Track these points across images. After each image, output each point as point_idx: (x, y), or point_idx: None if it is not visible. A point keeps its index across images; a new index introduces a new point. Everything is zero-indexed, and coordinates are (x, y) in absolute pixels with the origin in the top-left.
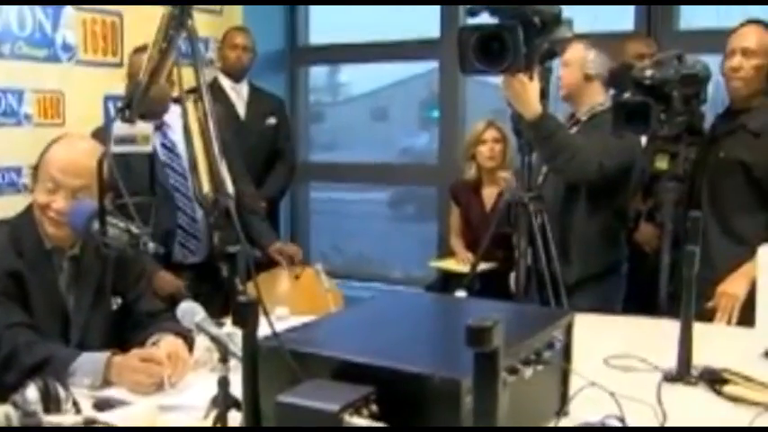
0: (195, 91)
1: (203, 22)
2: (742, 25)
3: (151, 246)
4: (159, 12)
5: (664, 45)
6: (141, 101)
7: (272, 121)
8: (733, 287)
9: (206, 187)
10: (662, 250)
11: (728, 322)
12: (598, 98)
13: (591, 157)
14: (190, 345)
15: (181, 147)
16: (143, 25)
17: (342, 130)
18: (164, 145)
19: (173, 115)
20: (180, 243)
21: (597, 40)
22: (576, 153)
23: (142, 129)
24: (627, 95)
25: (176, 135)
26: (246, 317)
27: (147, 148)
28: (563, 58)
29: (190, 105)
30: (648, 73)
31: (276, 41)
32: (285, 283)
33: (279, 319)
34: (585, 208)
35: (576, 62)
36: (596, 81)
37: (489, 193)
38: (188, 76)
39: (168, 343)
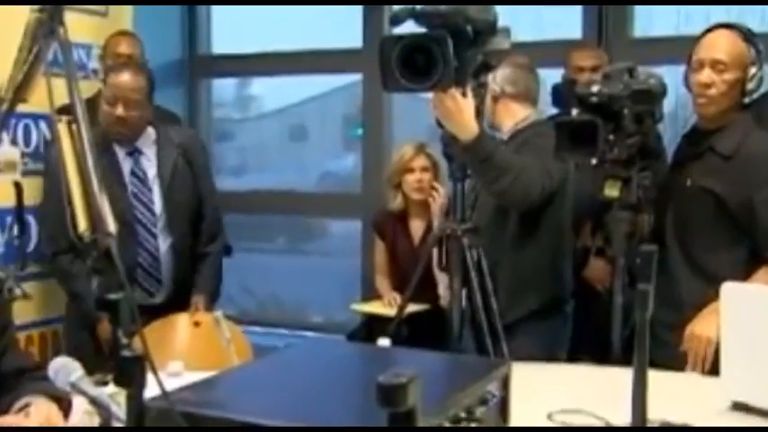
0: (68, 110)
1: (85, 25)
2: (709, 31)
3: (17, 291)
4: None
5: (616, 56)
6: (2, 121)
7: None
8: (702, 327)
9: (82, 225)
10: (614, 289)
11: (702, 370)
12: (518, 115)
13: (534, 176)
14: (66, 409)
15: (152, 174)
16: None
17: (253, 151)
18: (133, 173)
19: (147, 140)
20: (138, 283)
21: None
22: (520, 174)
23: (7, 154)
24: (575, 114)
25: (149, 162)
26: (131, 374)
27: (13, 176)
28: None
29: (62, 127)
30: (595, 89)
31: (173, 50)
32: (183, 332)
33: (172, 376)
34: (516, 237)
35: None
36: (506, 99)
37: (417, 226)
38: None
39: (39, 409)
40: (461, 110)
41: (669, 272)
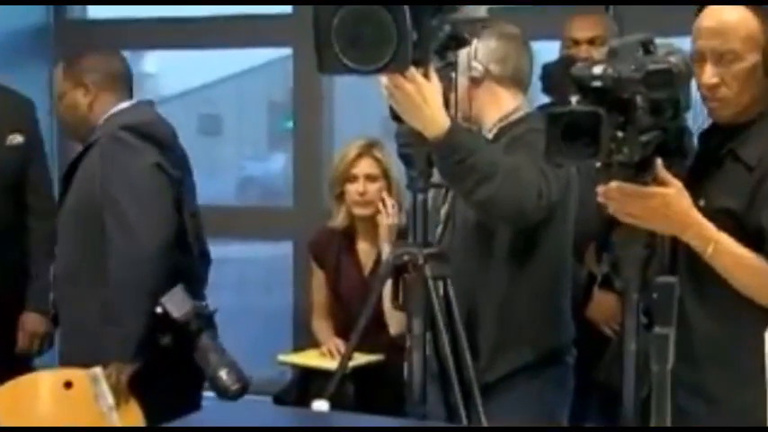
0: None
1: None
2: (701, 8)
3: None
4: None
5: (628, 25)
6: None
7: (17, 139)
8: None
9: None
10: (624, 332)
11: None
12: (505, 105)
13: (528, 180)
14: None
15: None
16: None
17: None
18: None
19: None
20: None
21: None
22: (510, 177)
23: None
24: (573, 103)
25: None
26: None
27: None
28: None
29: None
30: (597, 70)
31: (34, 13)
32: (47, 397)
33: None
34: (503, 265)
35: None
36: (491, 82)
37: (367, 250)
38: None
39: None
40: (425, 97)
41: (681, 313)
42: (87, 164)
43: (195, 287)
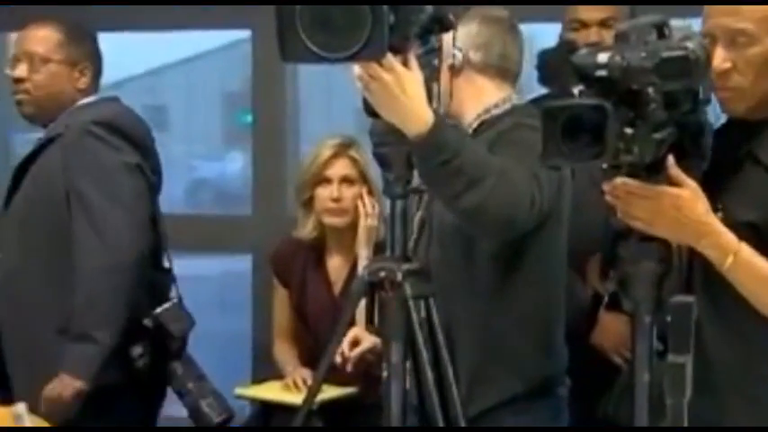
0: None
1: None
2: None
3: None
4: None
5: (640, 5)
6: None
7: None
8: None
9: None
10: (635, 360)
11: None
12: (488, 97)
13: (520, 184)
14: None
15: None
16: None
17: None
18: None
19: None
20: None
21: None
22: (501, 180)
23: None
24: (577, 96)
25: None
26: None
27: None
28: None
29: None
30: (603, 57)
31: None
32: None
33: None
34: (488, 282)
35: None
36: (471, 71)
37: (339, 266)
38: None
39: None
40: (405, 88)
41: (698, 338)
42: (46, 161)
43: (161, 298)
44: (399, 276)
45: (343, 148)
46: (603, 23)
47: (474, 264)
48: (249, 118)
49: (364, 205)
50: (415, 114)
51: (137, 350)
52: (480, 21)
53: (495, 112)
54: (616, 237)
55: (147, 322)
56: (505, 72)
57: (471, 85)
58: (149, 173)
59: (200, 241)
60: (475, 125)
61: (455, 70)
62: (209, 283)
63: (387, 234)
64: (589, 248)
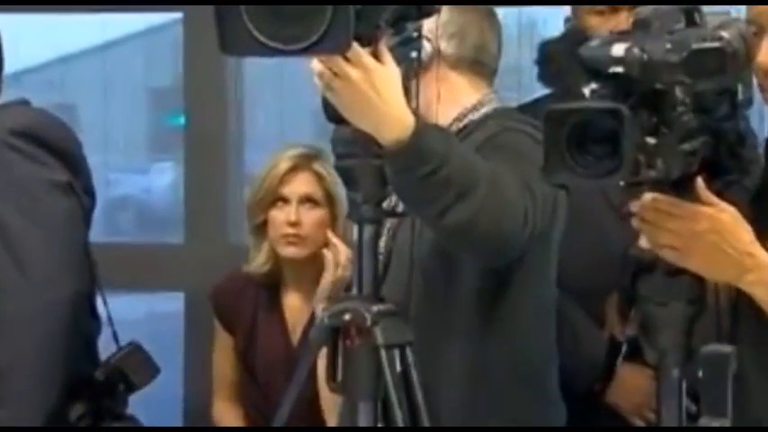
0: None
1: None
2: None
3: None
4: None
5: None
6: None
7: None
8: None
9: None
10: (660, 423)
11: None
12: (465, 97)
13: (513, 195)
14: None
15: None
16: None
17: None
18: None
19: None
20: None
21: None
22: (493, 186)
23: None
24: (588, 97)
25: None
26: None
27: None
28: None
29: None
30: (618, 49)
31: None
32: None
33: None
34: (468, 323)
35: None
36: (444, 67)
37: (298, 307)
38: None
39: None
40: (377, 87)
41: (742, 389)
42: None
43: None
44: (369, 320)
45: (306, 160)
46: (619, 8)
47: (449, 304)
48: (181, 120)
49: (331, 248)
50: (392, 117)
51: (77, 410)
52: (451, 7)
53: (474, 116)
54: (637, 271)
55: (98, 374)
56: (482, 67)
57: (443, 83)
58: (81, 193)
59: (119, 276)
60: (452, 131)
61: (423, 65)
62: (131, 328)
63: (353, 267)
64: (604, 285)
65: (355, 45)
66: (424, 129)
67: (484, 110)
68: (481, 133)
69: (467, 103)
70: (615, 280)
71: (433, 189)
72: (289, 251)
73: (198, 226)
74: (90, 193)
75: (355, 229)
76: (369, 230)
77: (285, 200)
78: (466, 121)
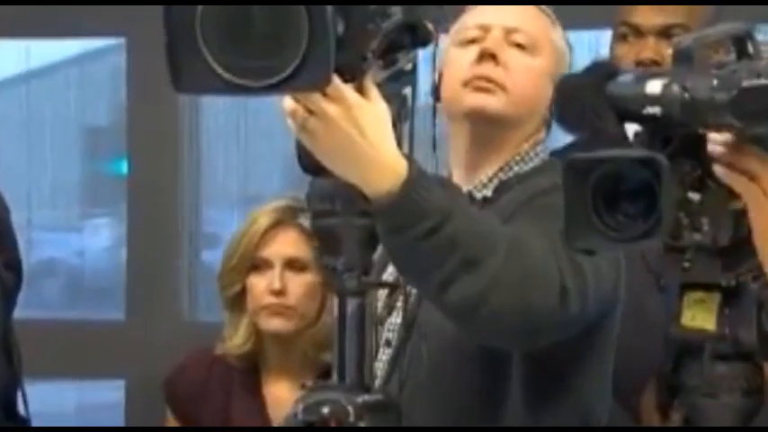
0: None
1: None
2: None
3: None
4: None
5: (728, 11)
6: None
7: None
8: None
9: None
10: None
11: None
12: (508, 146)
13: (546, 259)
14: None
15: None
16: None
17: None
18: None
19: None
20: None
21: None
22: (514, 250)
23: None
24: (631, 141)
25: None
26: None
27: None
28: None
29: None
30: (655, 87)
31: None
32: None
33: None
34: (516, 417)
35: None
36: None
37: (283, 396)
38: None
39: None
40: (361, 127)
41: None
42: None
43: None
44: (352, 415)
45: (290, 214)
46: (665, 32)
47: (497, 391)
48: (123, 167)
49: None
50: (380, 163)
51: None
52: None
53: (521, 168)
54: (681, 354)
55: None
56: None
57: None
58: (2, 270)
59: (45, 360)
60: (489, 189)
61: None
62: (60, 423)
63: (333, 347)
64: (640, 371)
65: (336, 79)
66: (419, 177)
67: (533, 161)
68: (525, 190)
69: (512, 153)
70: (654, 364)
71: (433, 253)
72: (273, 324)
73: (143, 298)
74: (13, 266)
75: (335, 302)
76: (352, 304)
77: (267, 264)
78: (511, 173)
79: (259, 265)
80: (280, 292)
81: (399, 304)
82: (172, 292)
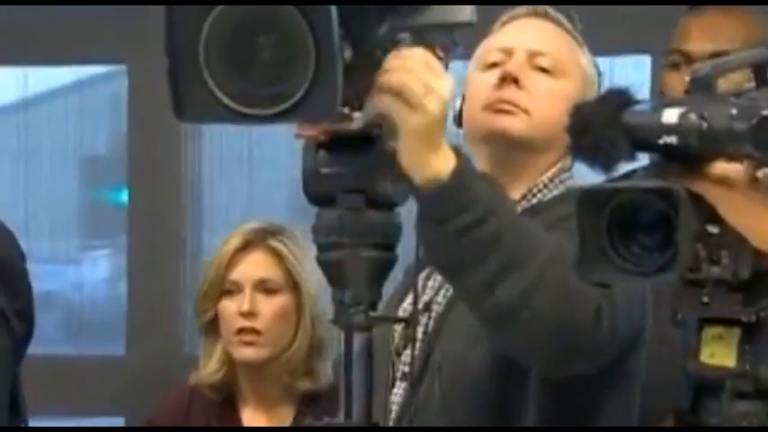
0: None
1: None
2: None
3: None
4: None
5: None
6: None
7: None
8: None
9: None
10: None
11: None
12: (531, 169)
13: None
14: None
15: None
16: None
17: None
18: None
19: None
20: None
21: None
22: (557, 258)
23: None
24: (640, 172)
25: None
26: None
27: None
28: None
29: None
30: (671, 116)
31: None
32: None
33: None
34: None
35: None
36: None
37: (259, 423)
38: None
39: None
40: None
41: None
42: None
43: None
44: None
45: (260, 236)
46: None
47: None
48: (123, 197)
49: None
50: (443, 149)
51: None
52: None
53: (545, 195)
54: (699, 391)
55: None
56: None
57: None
58: (14, 319)
59: (42, 396)
60: (520, 208)
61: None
62: None
63: (339, 382)
64: (656, 408)
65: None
66: (468, 167)
67: (558, 190)
68: (550, 218)
69: (535, 179)
70: (671, 402)
71: (476, 247)
72: (244, 353)
73: (143, 332)
74: (26, 316)
75: (342, 337)
76: (359, 340)
77: (237, 286)
78: (534, 201)
79: (230, 290)
80: (250, 314)
81: (419, 335)
82: (173, 326)
